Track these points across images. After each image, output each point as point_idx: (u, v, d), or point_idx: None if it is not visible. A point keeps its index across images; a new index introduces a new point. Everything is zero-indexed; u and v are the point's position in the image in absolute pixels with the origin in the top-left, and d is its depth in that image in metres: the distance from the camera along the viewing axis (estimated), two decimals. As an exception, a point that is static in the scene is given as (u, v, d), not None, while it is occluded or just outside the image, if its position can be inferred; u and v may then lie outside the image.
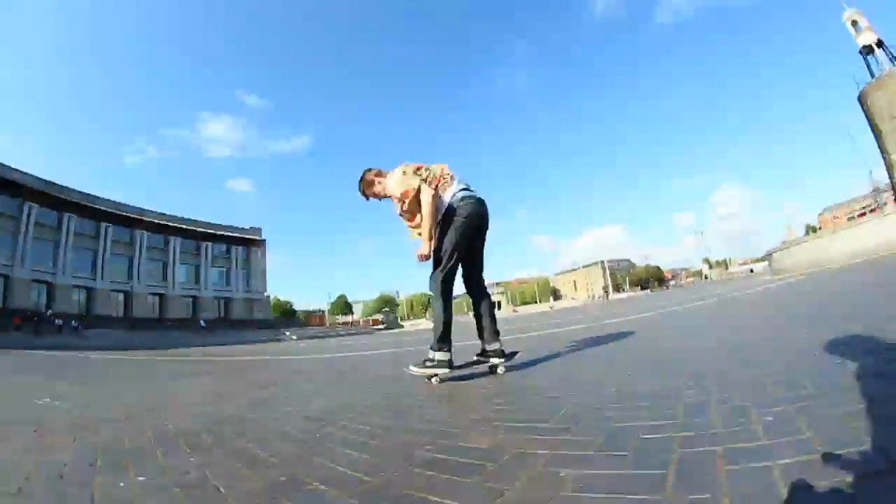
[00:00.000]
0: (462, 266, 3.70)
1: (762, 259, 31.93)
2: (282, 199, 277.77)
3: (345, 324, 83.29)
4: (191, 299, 54.90)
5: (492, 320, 3.69)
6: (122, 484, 1.39)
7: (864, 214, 24.54)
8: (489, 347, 3.63)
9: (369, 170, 3.77)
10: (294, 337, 39.65)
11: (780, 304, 6.55)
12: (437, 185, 3.53)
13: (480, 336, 3.70)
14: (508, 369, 3.46)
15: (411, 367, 3.38)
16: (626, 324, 6.84)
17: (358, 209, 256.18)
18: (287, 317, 78.91)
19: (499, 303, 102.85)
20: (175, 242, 54.49)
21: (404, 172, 3.53)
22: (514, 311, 77.21)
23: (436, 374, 3.34)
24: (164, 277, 52.70)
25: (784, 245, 23.67)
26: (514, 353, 3.73)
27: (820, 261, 17.92)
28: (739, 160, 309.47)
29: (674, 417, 1.54)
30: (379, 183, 3.67)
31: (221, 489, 1.28)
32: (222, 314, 56.79)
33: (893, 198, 24.55)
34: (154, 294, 51.25)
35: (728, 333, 4.06)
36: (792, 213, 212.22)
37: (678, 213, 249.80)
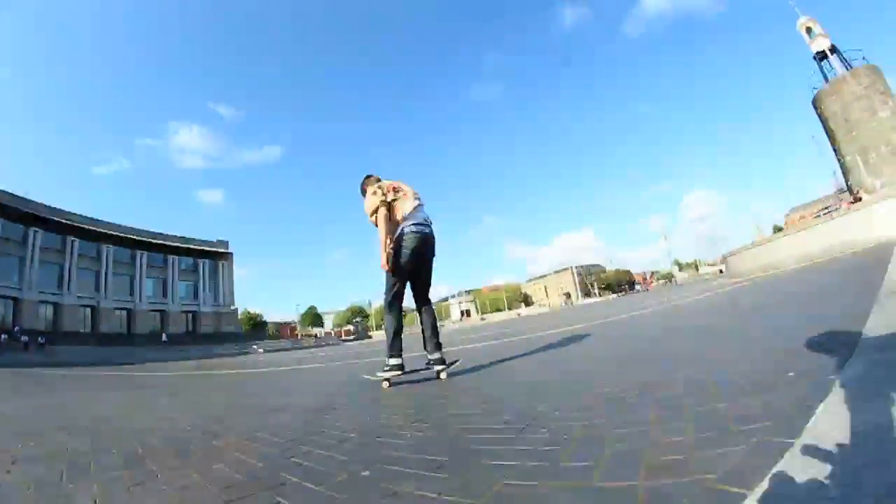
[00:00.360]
0: (410, 285, 4.26)
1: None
2: (254, 209, 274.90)
3: (310, 336, 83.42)
4: (158, 314, 55.30)
5: (433, 333, 4.19)
6: (19, 445, 2.70)
7: (829, 214, 25.45)
8: (431, 357, 4.16)
9: (368, 177, 4.40)
10: (261, 350, 40.36)
11: (690, 318, 6.54)
12: (395, 211, 4.10)
13: (425, 347, 4.23)
14: (449, 375, 4.06)
15: (366, 375, 4.24)
16: (549, 336, 7.42)
17: (330, 220, 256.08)
18: (257, 329, 78.90)
19: (468, 311, 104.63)
20: (142, 256, 54.78)
21: (374, 192, 4.11)
22: (482, 318, 78.59)
23: (388, 378, 4.00)
24: (132, 292, 53.17)
25: (737, 250, 24.43)
26: (454, 362, 4.33)
27: (770, 264, 18.27)
28: (711, 163, 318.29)
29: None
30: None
31: (67, 449, 2.55)
32: (190, 328, 57.09)
33: (850, 200, 25.37)
34: (121, 309, 51.85)
35: (603, 354, 4.39)
36: (761, 213, 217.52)
37: (650, 216, 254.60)
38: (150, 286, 55.48)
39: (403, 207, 4.12)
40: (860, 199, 21.61)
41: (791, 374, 1.88)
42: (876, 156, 25.53)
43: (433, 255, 4.28)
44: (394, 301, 4.18)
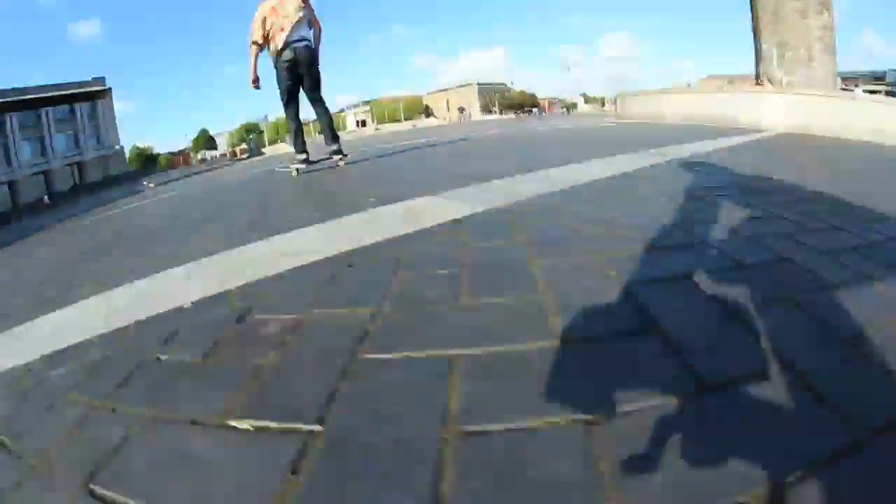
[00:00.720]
0: (302, 92, 4.89)
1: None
2: (138, 33, 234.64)
3: (203, 161, 74.44)
4: (41, 175, 50.80)
5: (329, 129, 4.86)
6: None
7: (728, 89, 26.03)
8: (330, 149, 4.87)
9: None
10: (151, 185, 39.93)
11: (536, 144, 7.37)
12: (271, 40, 4.70)
13: (325, 141, 4.96)
14: (347, 164, 4.80)
15: (277, 167, 5.07)
16: (424, 144, 8.70)
17: (224, 31, 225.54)
18: (148, 164, 73.96)
19: (364, 121, 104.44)
20: (11, 119, 48.70)
21: (256, 19, 4.70)
22: (377, 129, 76.02)
23: (297, 168, 4.79)
24: (9, 161, 48.17)
25: (628, 93, 24.82)
26: (346, 155, 5.10)
27: (653, 115, 16.97)
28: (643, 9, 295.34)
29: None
30: None
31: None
32: (77, 181, 52.89)
33: (754, 82, 25.62)
34: (1, 184, 47.40)
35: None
36: (681, 71, 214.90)
37: (564, 45, 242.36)
38: (26, 149, 49.90)
39: (277, 37, 4.72)
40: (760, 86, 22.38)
41: (372, 199, 2.27)
42: (792, 55, 24.52)
43: (310, 63, 4.87)
44: (287, 106, 4.87)
